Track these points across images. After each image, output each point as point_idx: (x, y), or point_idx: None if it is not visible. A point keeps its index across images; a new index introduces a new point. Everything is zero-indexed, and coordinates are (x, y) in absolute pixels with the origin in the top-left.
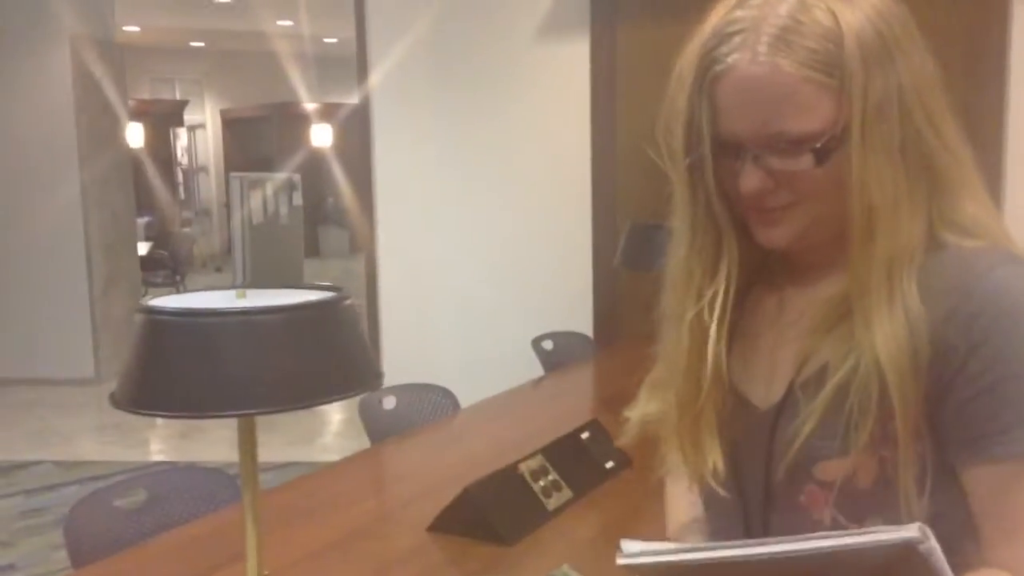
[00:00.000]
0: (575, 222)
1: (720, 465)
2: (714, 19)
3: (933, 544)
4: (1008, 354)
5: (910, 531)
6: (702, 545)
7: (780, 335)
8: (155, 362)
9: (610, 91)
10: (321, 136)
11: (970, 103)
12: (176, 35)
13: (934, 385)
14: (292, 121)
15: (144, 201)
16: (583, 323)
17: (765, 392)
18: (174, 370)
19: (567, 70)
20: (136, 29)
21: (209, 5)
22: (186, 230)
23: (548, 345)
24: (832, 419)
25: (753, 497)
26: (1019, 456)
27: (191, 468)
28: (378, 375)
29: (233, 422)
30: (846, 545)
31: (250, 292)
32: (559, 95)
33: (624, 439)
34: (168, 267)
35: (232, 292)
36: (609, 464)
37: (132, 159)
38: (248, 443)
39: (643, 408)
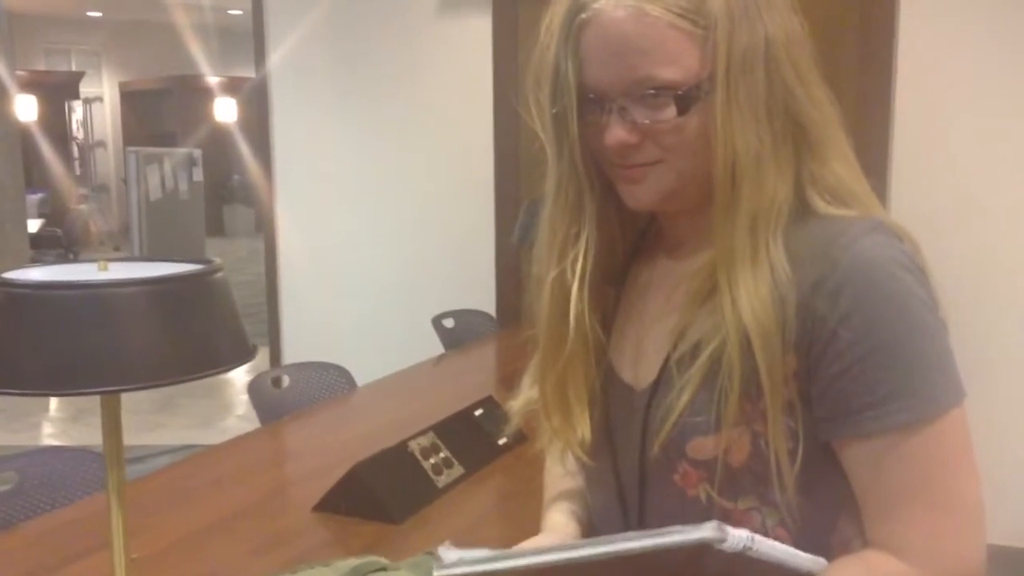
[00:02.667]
0: (478, 200)
1: (588, 436)
2: None
3: (738, 539)
4: (875, 325)
5: (706, 531)
6: (515, 551)
7: (655, 310)
8: (9, 337)
9: (513, 67)
10: (225, 111)
11: (860, 89)
12: (72, 4)
13: (804, 358)
14: (194, 95)
15: (37, 177)
16: (485, 302)
17: (634, 369)
18: (29, 346)
19: (469, 47)
20: None
21: None
22: (82, 207)
23: (449, 323)
24: (704, 394)
25: (628, 474)
26: (892, 429)
27: (67, 450)
28: (249, 350)
29: (131, 403)
30: (649, 546)
31: (114, 265)
32: (461, 72)
33: (509, 429)
34: (62, 245)
35: (94, 265)
36: (503, 441)
37: (22, 133)
38: (112, 422)
39: (526, 395)
